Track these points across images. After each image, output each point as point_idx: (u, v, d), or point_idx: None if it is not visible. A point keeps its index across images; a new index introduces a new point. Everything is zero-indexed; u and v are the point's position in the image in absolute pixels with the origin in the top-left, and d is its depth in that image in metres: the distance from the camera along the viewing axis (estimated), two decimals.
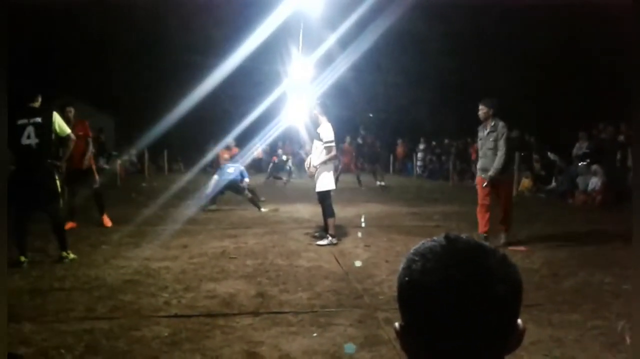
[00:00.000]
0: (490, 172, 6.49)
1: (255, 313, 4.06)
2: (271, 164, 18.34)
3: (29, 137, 5.41)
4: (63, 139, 5.77)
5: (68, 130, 5.81)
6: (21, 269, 5.27)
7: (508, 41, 18.43)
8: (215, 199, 10.40)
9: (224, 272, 5.31)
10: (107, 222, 7.93)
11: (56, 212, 5.67)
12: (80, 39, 21.00)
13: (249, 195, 10.41)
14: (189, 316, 3.97)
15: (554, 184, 13.17)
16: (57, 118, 5.67)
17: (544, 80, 18.16)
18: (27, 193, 5.49)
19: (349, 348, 3.22)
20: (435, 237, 0.85)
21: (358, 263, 5.59)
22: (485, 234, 6.52)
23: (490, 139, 6.56)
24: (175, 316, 3.98)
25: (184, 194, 12.03)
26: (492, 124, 6.58)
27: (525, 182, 13.84)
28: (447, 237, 0.84)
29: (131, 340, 3.48)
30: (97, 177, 8.05)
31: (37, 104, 5.67)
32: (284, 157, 18.27)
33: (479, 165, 6.81)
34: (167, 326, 3.74)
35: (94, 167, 8.07)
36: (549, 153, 14.02)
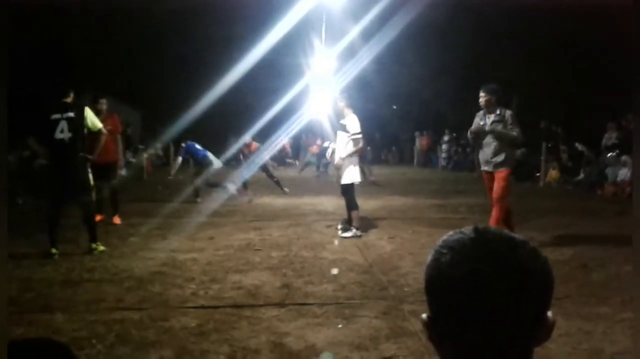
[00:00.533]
0: (498, 128, 5.97)
1: (280, 304, 4.09)
2: (310, 154, 18.33)
3: (62, 131, 5.54)
4: (94, 134, 5.87)
5: (100, 124, 5.92)
6: (52, 260, 5.40)
7: (534, 31, 18.07)
8: (246, 184, 10.79)
9: (250, 264, 5.36)
10: (117, 220, 7.75)
11: (88, 204, 5.78)
12: (106, 34, 21.29)
13: (276, 178, 11.12)
14: (216, 307, 4.02)
15: (582, 175, 12.94)
16: (89, 113, 5.79)
17: (572, 70, 17.81)
18: (60, 186, 5.63)
19: (326, 356, 3.20)
20: (464, 229, 0.84)
21: (333, 271, 5.50)
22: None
23: (498, 129, 6.05)
24: (203, 307, 4.04)
25: (208, 187, 12.13)
26: (498, 112, 6.07)
27: (553, 174, 13.64)
28: (476, 229, 0.83)
29: (160, 330, 3.55)
30: (118, 172, 8.08)
31: (69, 99, 5.78)
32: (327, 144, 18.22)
33: (481, 157, 6.26)
34: (194, 317, 3.80)
35: (119, 163, 8.14)
36: (576, 144, 13.77)
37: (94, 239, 5.79)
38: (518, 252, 0.79)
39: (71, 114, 5.60)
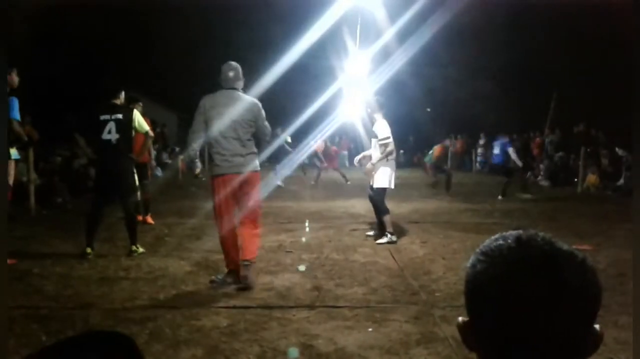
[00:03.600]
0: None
1: (311, 306, 4.11)
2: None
3: (109, 132, 5.66)
4: (140, 135, 6.02)
5: (147, 127, 6.06)
6: (90, 258, 5.54)
7: (574, 30, 17.64)
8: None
9: (281, 265, 5.40)
10: (150, 220, 7.90)
11: (130, 206, 5.87)
12: (144, 36, 21.76)
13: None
14: (247, 308, 4.07)
15: (622, 180, 12.58)
16: (137, 115, 5.92)
17: (614, 72, 17.32)
18: (104, 186, 5.80)
19: (292, 352, 3.18)
20: (507, 235, 0.78)
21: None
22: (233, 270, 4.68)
23: None
24: (234, 307, 4.09)
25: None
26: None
27: (592, 179, 13.30)
28: (518, 239, 0.76)
29: (192, 329, 3.61)
30: (150, 173, 8.19)
31: (119, 101, 5.93)
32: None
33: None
34: (226, 317, 3.85)
35: (152, 163, 8.26)
36: (616, 148, 13.39)
37: (134, 240, 5.85)
38: (562, 266, 0.73)
39: (119, 116, 5.72)
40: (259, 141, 4.78)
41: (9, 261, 6.51)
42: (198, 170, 5.08)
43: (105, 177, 5.80)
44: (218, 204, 4.67)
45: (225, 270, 4.71)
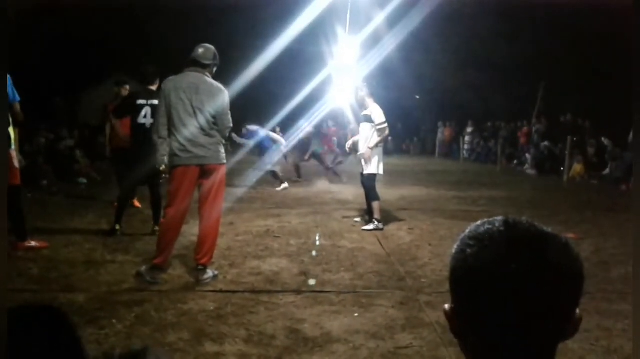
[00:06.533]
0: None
1: (298, 291, 4.13)
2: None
3: (145, 116, 5.86)
4: None
5: None
6: (75, 242, 5.51)
7: (562, 20, 17.66)
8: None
9: (268, 250, 5.41)
10: (137, 204, 7.82)
11: (158, 187, 6.15)
12: (137, 24, 21.48)
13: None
14: (234, 292, 4.08)
15: (607, 170, 12.73)
16: None
17: (600, 61, 17.40)
18: (136, 168, 5.92)
19: None
20: (494, 219, 0.80)
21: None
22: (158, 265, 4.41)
23: None
24: (221, 291, 4.10)
25: (229, 174, 12.21)
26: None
27: (577, 168, 13.43)
28: (506, 222, 0.78)
29: (179, 313, 3.61)
30: None
31: (154, 87, 6.09)
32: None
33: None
34: (213, 301, 3.85)
35: None
36: (602, 138, 13.52)
37: (157, 221, 6.01)
38: (549, 249, 0.76)
39: (155, 102, 5.80)
40: (219, 132, 4.35)
41: None
42: (164, 167, 4.37)
43: (137, 159, 5.89)
44: (173, 193, 4.36)
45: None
